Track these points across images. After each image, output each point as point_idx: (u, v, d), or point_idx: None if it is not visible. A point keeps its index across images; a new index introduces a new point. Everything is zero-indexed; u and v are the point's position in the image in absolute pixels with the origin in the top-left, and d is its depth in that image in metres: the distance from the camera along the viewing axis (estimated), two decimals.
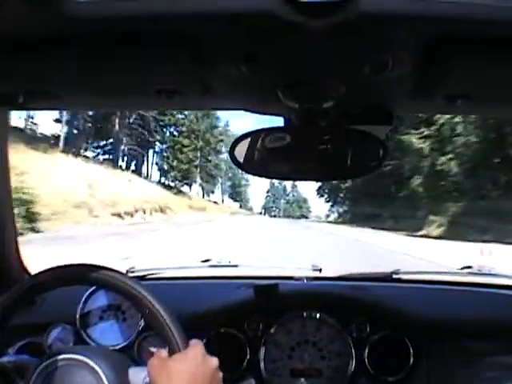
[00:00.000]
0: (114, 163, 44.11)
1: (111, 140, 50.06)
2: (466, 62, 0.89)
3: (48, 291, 1.22)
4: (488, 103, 1.18)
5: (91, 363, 1.04)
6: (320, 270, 1.80)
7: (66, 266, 1.17)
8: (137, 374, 1.06)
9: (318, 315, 1.57)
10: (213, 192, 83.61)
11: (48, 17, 0.71)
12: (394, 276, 1.82)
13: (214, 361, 1.02)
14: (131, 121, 49.02)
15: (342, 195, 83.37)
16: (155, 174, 67.42)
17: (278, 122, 1.29)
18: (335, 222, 67.87)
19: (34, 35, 0.81)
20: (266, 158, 1.20)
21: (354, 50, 0.86)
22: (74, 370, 1.04)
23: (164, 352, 1.01)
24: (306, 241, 20.66)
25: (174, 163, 63.45)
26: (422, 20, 0.73)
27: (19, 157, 15.91)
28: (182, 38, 0.82)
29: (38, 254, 3.98)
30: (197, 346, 1.01)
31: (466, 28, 0.77)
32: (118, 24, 0.76)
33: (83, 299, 1.51)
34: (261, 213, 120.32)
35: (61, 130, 41.21)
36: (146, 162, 61.16)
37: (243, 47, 0.87)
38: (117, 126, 46.70)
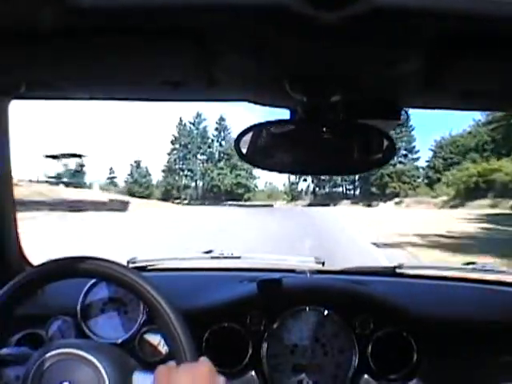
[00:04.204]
0: None
1: None
2: (475, 59, 0.88)
3: (49, 283, 1.21)
4: (496, 99, 1.17)
5: (92, 359, 1.03)
6: (323, 264, 1.79)
7: (67, 258, 1.16)
8: (141, 380, 1.06)
9: (321, 311, 1.57)
10: None
11: (51, 8, 0.69)
12: (397, 270, 1.82)
13: (220, 379, 1.00)
14: None
15: None
16: None
17: (284, 114, 1.17)
18: None
19: (38, 26, 0.79)
20: (271, 150, 1.20)
21: (365, 44, 0.85)
22: (75, 364, 1.03)
23: (173, 363, 1.01)
24: None
25: None
26: (435, 15, 0.71)
27: None
28: (188, 29, 0.81)
29: None
30: (205, 362, 1.00)
31: (479, 24, 0.76)
32: (122, 15, 0.74)
33: (84, 291, 1.51)
34: None
35: None
36: None
37: (251, 39, 0.86)
38: None
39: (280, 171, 1.36)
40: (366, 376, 1.53)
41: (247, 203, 63.58)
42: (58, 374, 1.02)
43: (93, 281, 1.50)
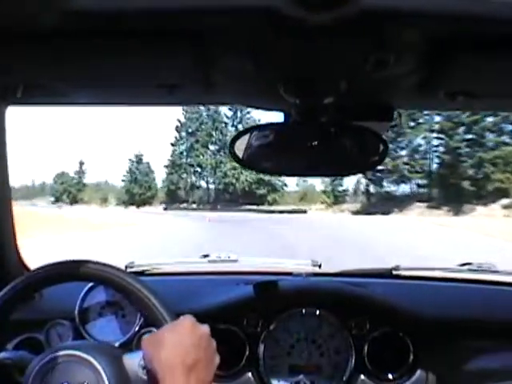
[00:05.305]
0: None
1: None
2: (466, 59, 0.90)
3: (47, 287, 1.23)
4: (489, 99, 1.18)
5: (90, 359, 1.04)
6: (319, 266, 1.80)
7: (64, 262, 1.18)
8: (131, 360, 1.06)
9: (317, 312, 1.58)
10: None
11: (48, 10, 0.70)
12: (394, 272, 1.82)
13: (204, 329, 1.02)
14: None
15: None
16: None
17: (279, 117, 1.23)
18: None
19: (35, 30, 0.80)
20: (265, 153, 1.20)
21: (356, 46, 0.87)
22: (74, 366, 1.04)
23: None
24: None
25: None
26: (424, 17, 0.73)
27: None
28: (184, 33, 0.82)
29: None
30: (186, 317, 1.03)
31: (467, 26, 0.77)
32: (120, 19, 0.76)
33: (82, 295, 1.51)
34: None
35: None
36: None
37: (245, 43, 0.87)
38: None
39: (274, 174, 1.37)
40: (362, 376, 1.53)
41: (271, 208, 49.45)
42: (57, 376, 1.03)
43: (90, 284, 1.52)
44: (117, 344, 1.45)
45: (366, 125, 1.18)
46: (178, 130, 61.10)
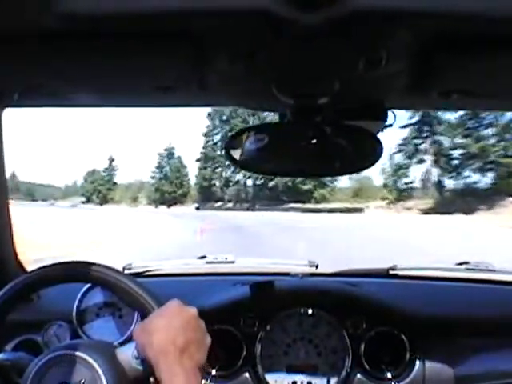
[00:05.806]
0: None
1: None
2: (459, 58, 0.90)
3: (45, 288, 1.25)
4: (482, 98, 1.18)
5: (85, 357, 1.05)
6: (316, 266, 1.81)
7: (61, 264, 1.20)
8: (124, 352, 1.08)
9: (314, 312, 1.58)
10: None
11: (48, 12, 0.70)
12: (391, 272, 1.82)
13: (191, 310, 1.04)
14: None
15: None
16: None
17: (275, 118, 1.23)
18: None
19: (34, 31, 0.81)
20: (261, 154, 1.20)
21: (348, 46, 0.87)
22: (70, 365, 1.05)
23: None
24: None
25: None
26: (416, 16, 0.73)
27: None
28: (180, 35, 0.83)
29: None
30: (172, 301, 1.04)
31: (459, 24, 0.78)
32: (118, 20, 0.76)
33: (79, 296, 1.52)
34: None
35: None
36: None
37: (240, 45, 0.88)
38: None
39: (271, 174, 1.38)
40: (359, 375, 1.53)
41: (318, 207, 43.51)
42: (55, 376, 1.04)
43: (88, 285, 1.53)
44: (115, 344, 1.46)
45: (360, 124, 1.19)
46: (211, 116, 54.92)
